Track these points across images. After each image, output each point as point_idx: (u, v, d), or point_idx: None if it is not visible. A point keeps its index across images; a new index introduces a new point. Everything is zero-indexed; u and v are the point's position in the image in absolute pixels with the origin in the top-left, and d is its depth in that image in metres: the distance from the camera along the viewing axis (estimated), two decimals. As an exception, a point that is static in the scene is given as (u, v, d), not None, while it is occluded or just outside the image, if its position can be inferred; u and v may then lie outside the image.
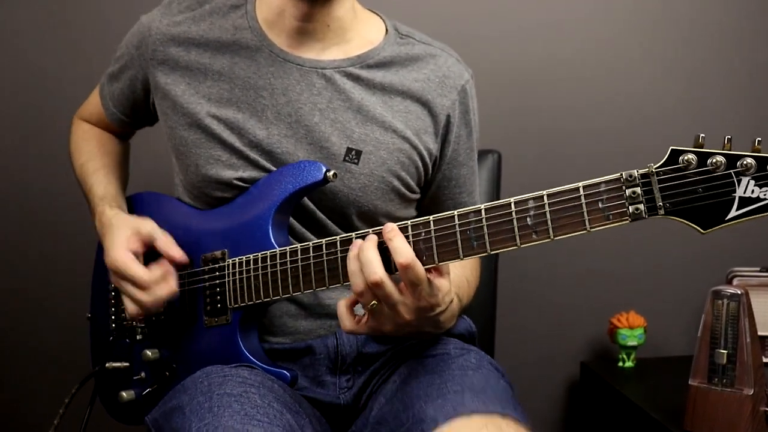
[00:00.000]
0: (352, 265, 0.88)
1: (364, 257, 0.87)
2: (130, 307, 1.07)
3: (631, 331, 1.71)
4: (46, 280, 1.78)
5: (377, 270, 0.86)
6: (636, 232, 1.80)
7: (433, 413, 0.88)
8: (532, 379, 1.85)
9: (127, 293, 1.07)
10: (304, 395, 1.07)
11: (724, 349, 1.24)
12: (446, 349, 1.06)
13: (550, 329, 1.87)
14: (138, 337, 1.16)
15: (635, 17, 1.79)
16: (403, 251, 0.85)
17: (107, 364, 1.18)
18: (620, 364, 1.74)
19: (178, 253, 1.08)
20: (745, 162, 0.71)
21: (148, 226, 1.10)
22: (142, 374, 1.16)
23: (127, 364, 1.18)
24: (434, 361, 1.02)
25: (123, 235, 1.09)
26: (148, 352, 1.12)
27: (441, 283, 0.89)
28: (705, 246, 1.80)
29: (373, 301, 0.88)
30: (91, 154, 1.27)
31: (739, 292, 1.25)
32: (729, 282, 1.48)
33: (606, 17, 1.79)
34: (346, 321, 0.92)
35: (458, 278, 1.09)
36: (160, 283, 1.06)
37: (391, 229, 0.88)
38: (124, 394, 1.16)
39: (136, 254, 1.08)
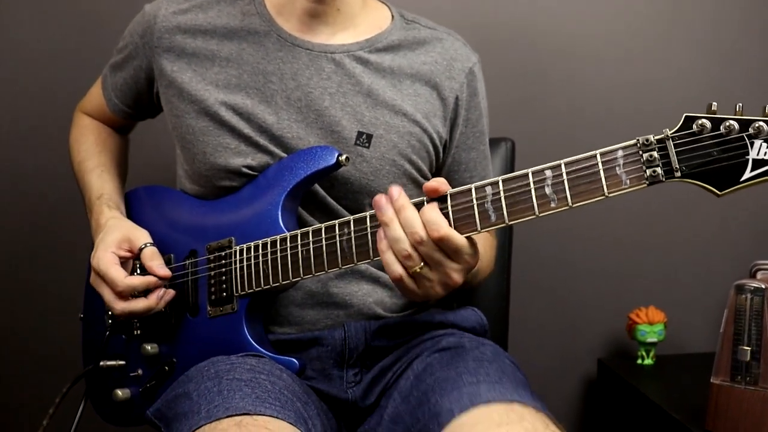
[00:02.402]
0: (393, 231, 0.92)
1: (405, 217, 0.92)
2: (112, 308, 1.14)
3: (651, 326, 1.75)
4: (36, 279, 1.83)
5: (418, 229, 0.91)
6: (655, 223, 1.85)
7: (449, 405, 0.93)
8: (547, 376, 1.88)
9: (103, 296, 1.13)
10: (311, 386, 1.12)
11: (747, 346, 1.28)
12: (461, 341, 1.12)
13: (566, 325, 1.91)
14: (135, 333, 1.21)
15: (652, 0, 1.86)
16: (437, 224, 0.91)
17: (101, 363, 1.22)
18: (639, 361, 1.78)
19: (161, 269, 1.12)
20: (757, 125, 0.78)
21: (140, 233, 1.16)
22: (139, 371, 1.20)
23: (122, 362, 1.22)
24: (449, 355, 1.07)
25: (114, 238, 1.14)
26: (148, 347, 1.17)
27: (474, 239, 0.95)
28: (727, 238, 1.87)
29: (420, 264, 0.92)
30: (89, 152, 1.33)
31: (763, 287, 1.29)
32: (753, 276, 1.48)
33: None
34: (397, 266, 0.93)
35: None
36: (138, 296, 1.12)
37: (427, 202, 0.93)
38: (119, 392, 1.20)
39: (122, 259, 1.14)
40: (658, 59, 1.87)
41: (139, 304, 1.11)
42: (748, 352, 1.28)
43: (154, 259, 1.13)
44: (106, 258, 1.12)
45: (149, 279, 1.12)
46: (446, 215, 0.94)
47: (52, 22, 1.77)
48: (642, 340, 1.77)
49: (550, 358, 1.91)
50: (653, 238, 1.89)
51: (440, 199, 0.95)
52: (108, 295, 1.12)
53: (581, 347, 1.92)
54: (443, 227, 0.91)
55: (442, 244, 0.92)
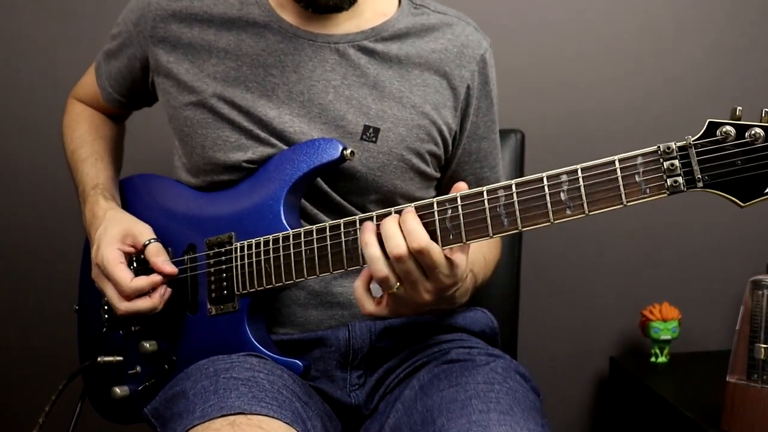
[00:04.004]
0: (371, 250, 0.92)
1: (386, 231, 0.92)
2: (114, 309, 1.13)
3: (665, 323, 1.75)
4: (29, 272, 1.84)
5: (400, 243, 0.90)
6: (670, 217, 1.86)
7: None
8: (558, 375, 1.90)
9: (106, 294, 1.13)
10: (315, 387, 1.13)
11: (764, 344, 1.27)
12: (471, 354, 1.11)
13: (578, 322, 1.91)
14: (133, 329, 1.21)
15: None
16: (416, 234, 0.90)
17: (99, 359, 1.22)
18: (653, 359, 1.78)
19: (167, 266, 1.12)
20: (784, 133, 0.77)
21: (142, 228, 1.16)
22: (138, 368, 1.21)
23: (120, 358, 1.22)
24: (458, 369, 1.06)
25: (117, 232, 1.14)
26: (146, 344, 1.17)
27: (459, 258, 0.94)
28: (744, 233, 1.87)
29: (397, 284, 0.93)
30: (82, 139, 1.32)
31: (780, 282, 1.27)
32: (770, 271, 1.53)
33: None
34: (367, 304, 0.97)
35: (473, 255, 1.13)
36: (143, 296, 1.11)
37: (407, 211, 0.93)
38: (117, 390, 1.21)
39: (125, 255, 1.14)
40: (673, 51, 1.86)
41: (144, 303, 1.11)
42: (765, 350, 1.28)
43: (159, 255, 1.13)
44: (111, 255, 1.12)
45: (155, 278, 1.12)
46: (456, 217, 0.93)
47: (48, 6, 1.76)
48: (656, 337, 1.77)
49: (562, 357, 1.92)
50: (667, 233, 1.90)
51: (450, 200, 0.94)
52: (111, 293, 1.12)
53: (593, 345, 1.93)
54: (425, 239, 0.91)
55: (420, 258, 0.91)
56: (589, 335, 1.92)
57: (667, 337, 1.76)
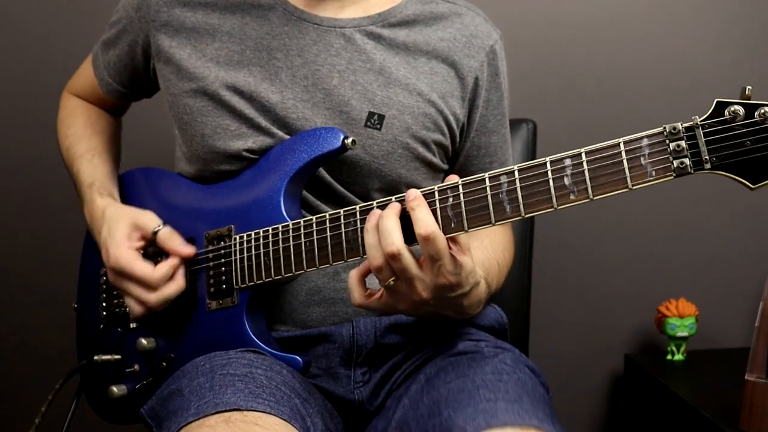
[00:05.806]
0: (370, 237, 0.94)
1: (383, 226, 0.93)
2: (136, 309, 1.13)
3: (681, 320, 1.75)
4: (27, 269, 1.86)
5: (395, 240, 0.91)
6: (687, 211, 1.85)
7: (463, 423, 0.91)
8: (571, 373, 1.89)
9: (130, 294, 1.13)
10: (316, 384, 1.13)
11: None
12: (479, 347, 1.10)
13: (592, 319, 1.91)
14: (132, 326, 1.21)
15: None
16: (424, 221, 0.90)
17: (96, 357, 1.22)
18: (669, 356, 1.79)
19: (185, 248, 1.13)
20: (795, 112, 0.77)
21: (147, 218, 1.16)
22: (135, 366, 1.21)
23: (118, 356, 1.23)
24: (466, 361, 1.05)
25: (122, 231, 1.14)
26: (144, 341, 1.17)
27: (464, 260, 0.94)
28: (762, 226, 1.86)
29: (392, 278, 0.93)
30: (78, 135, 1.32)
31: (801, 277, 1.28)
32: (790, 266, 1.52)
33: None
34: (356, 294, 0.98)
35: (488, 261, 1.14)
36: (167, 282, 1.12)
37: (414, 197, 0.93)
38: (114, 389, 1.21)
39: (138, 250, 1.14)
40: (687, 37, 1.86)
41: (171, 288, 1.12)
42: (784, 347, 1.27)
43: (174, 239, 1.14)
44: (126, 255, 1.12)
45: (174, 261, 1.12)
46: (457, 205, 0.93)
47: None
48: (672, 334, 1.77)
49: (575, 354, 1.92)
50: (684, 226, 1.89)
51: (452, 187, 0.94)
52: (136, 290, 1.12)
53: (608, 342, 1.92)
54: (432, 226, 0.91)
55: (425, 245, 0.91)
56: (604, 332, 1.92)
57: (684, 334, 1.76)
